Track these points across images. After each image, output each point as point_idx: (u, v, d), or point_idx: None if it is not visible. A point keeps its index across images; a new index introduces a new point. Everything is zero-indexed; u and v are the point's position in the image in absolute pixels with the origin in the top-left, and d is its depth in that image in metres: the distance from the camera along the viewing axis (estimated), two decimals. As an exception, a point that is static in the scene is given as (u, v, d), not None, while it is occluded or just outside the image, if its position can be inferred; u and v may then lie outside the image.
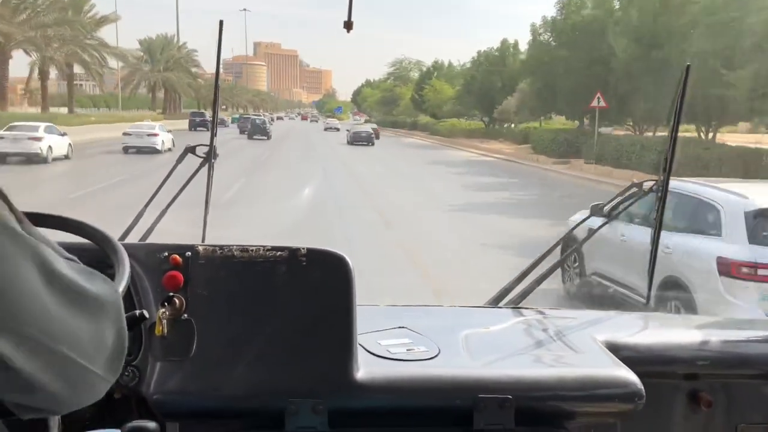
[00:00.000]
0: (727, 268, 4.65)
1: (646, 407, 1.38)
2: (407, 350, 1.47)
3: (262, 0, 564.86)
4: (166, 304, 1.31)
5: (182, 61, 70.55)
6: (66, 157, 22.31)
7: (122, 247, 1.04)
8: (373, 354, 1.44)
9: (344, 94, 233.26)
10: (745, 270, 4.57)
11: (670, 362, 1.63)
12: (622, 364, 1.44)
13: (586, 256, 6.57)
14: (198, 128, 40.24)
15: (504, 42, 43.91)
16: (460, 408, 1.32)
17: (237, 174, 16.81)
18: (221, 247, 1.38)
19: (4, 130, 21.46)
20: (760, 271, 4.52)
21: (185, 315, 1.33)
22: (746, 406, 1.66)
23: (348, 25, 1.30)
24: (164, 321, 1.30)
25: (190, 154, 2.06)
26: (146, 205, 1.98)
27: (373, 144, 39.03)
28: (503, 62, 42.35)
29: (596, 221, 2.17)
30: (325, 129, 60.45)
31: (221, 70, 2.15)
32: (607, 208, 2.17)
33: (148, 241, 1.79)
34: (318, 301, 1.36)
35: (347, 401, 1.33)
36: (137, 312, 1.03)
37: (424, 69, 70.16)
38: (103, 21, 47.16)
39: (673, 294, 4.97)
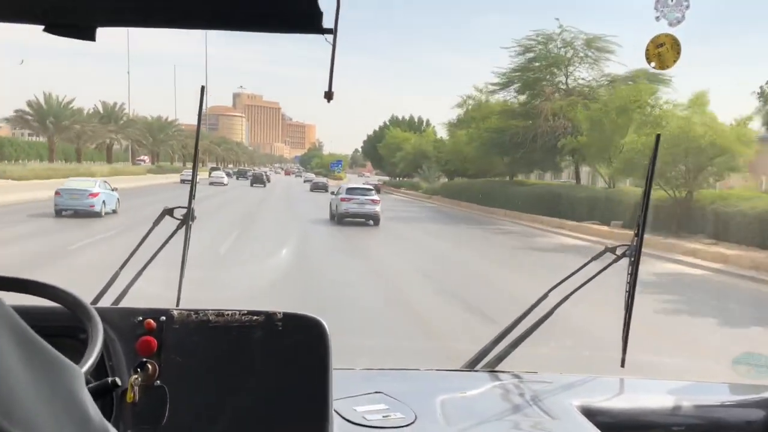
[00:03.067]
0: (341, 199, 27.27)
1: None
2: (383, 417, 1.46)
3: (244, 57, 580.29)
4: (138, 369, 1.28)
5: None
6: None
7: (96, 314, 0.99)
8: (349, 421, 1.43)
9: (330, 148, 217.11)
10: (341, 198, 26.07)
11: (646, 428, 1.64)
12: (599, 430, 1.45)
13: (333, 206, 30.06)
14: None
15: None
16: None
17: (257, 200, 37.80)
18: (196, 311, 1.36)
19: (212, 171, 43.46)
20: (344, 198, 26.11)
21: (158, 381, 1.29)
22: None
23: (328, 95, 1.27)
24: (136, 387, 1.25)
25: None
26: (121, 267, 1.95)
27: (327, 190, 45.78)
28: None
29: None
30: (304, 181, 72.74)
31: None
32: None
33: (122, 304, 1.75)
34: (293, 367, 1.33)
35: None
36: (110, 379, 0.95)
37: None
38: None
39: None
